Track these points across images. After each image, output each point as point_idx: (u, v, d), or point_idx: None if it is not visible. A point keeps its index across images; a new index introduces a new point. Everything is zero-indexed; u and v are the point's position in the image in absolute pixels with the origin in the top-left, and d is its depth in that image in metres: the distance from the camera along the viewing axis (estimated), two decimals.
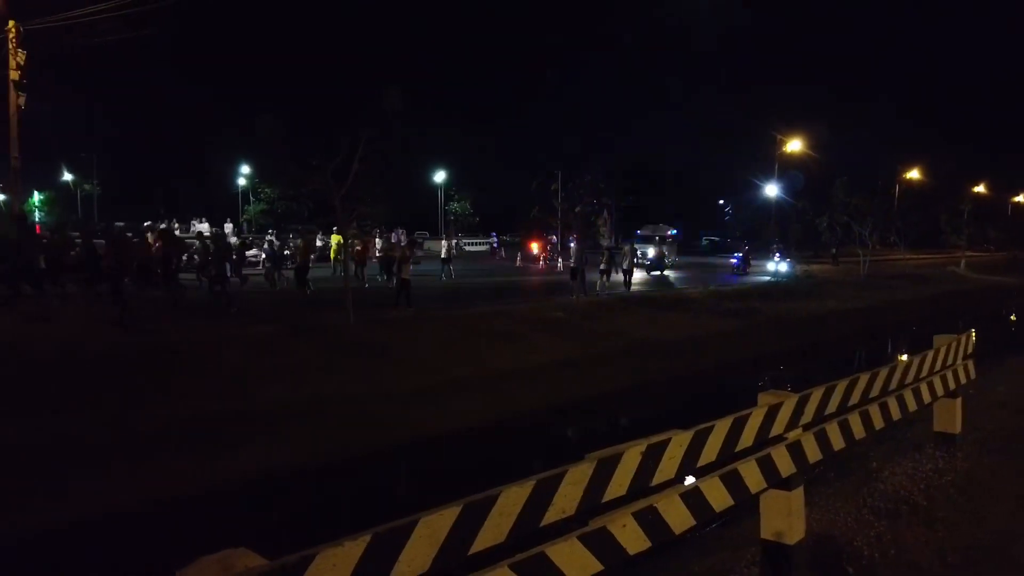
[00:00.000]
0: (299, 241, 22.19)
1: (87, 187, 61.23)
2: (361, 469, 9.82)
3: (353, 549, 2.37)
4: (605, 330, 17.23)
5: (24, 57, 19.30)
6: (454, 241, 49.20)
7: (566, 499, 3.14)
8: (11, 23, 19.17)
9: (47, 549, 7.10)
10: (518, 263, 38.79)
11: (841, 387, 5.22)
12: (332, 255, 26.90)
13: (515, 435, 11.62)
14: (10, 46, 19.08)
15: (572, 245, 38.29)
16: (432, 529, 2.62)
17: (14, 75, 19.35)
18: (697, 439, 3.86)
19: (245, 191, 65.08)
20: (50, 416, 9.23)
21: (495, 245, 51.95)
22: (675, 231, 42.99)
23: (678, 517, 3.72)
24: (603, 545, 3.30)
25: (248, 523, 7.99)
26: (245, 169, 63.92)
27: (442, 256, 27.84)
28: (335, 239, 25.53)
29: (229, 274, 17.94)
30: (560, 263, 36.10)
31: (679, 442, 3.75)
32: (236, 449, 9.46)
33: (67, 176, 59.98)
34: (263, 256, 25.56)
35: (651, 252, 33.58)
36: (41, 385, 10.06)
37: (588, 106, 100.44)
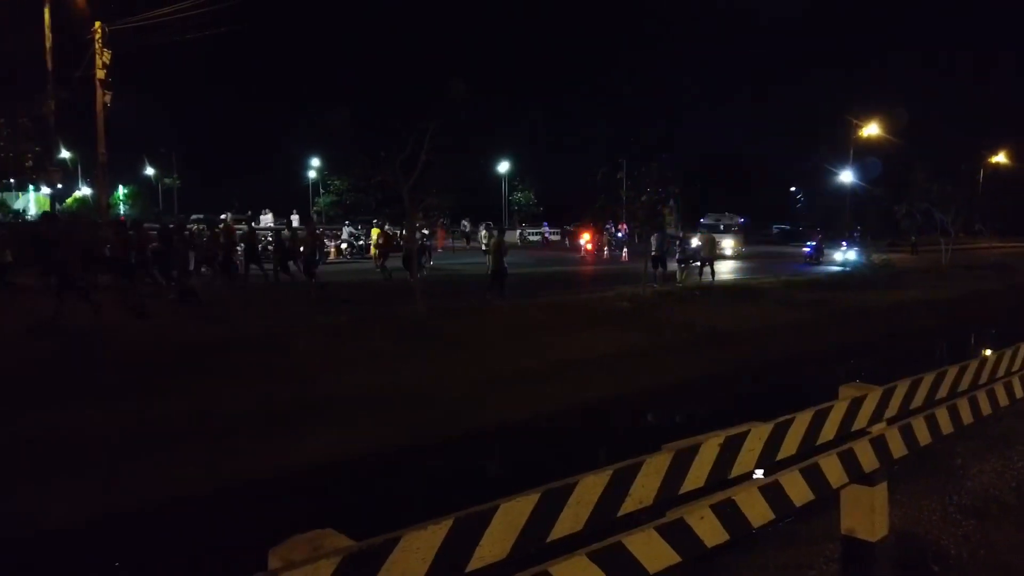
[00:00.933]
0: (302, 233, 20.01)
1: (167, 181, 63.85)
2: (436, 456, 9.98)
3: (436, 532, 2.41)
4: (673, 320, 16.99)
5: (109, 56, 20.19)
6: (517, 231, 49.33)
7: (644, 489, 3.12)
8: (97, 24, 20.07)
9: (137, 527, 7.48)
10: (581, 253, 38.56)
11: (928, 380, 5.02)
12: (373, 249, 26.88)
13: (584, 424, 11.61)
14: (96, 46, 19.99)
15: (620, 235, 37.88)
16: (511, 515, 2.65)
17: (100, 74, 20.28)
18: (777, 432, 3.78)
19: (315, 183, 66.70)
20: (132, 401, 9.68)
21: (547, 236, 49.94)
22: (742, 219, 41.80)
23: (757, 510, 3.65)
24: (680, 537, 3.27)
25: (327, 505, 8.22)
26: (315, 162, 65.54)
27: (484, 247, 27.78)
28: (375, 232, 25.73)
29: (192, 267, 17.68)
30: (624, 253, 35.72)
31: (758, 435, 3.67)
32: (311, 434, 9.72)
33: (149, 170, 62.64)
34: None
35: (694, 242, 32.40)
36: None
37: (655, 94, 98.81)
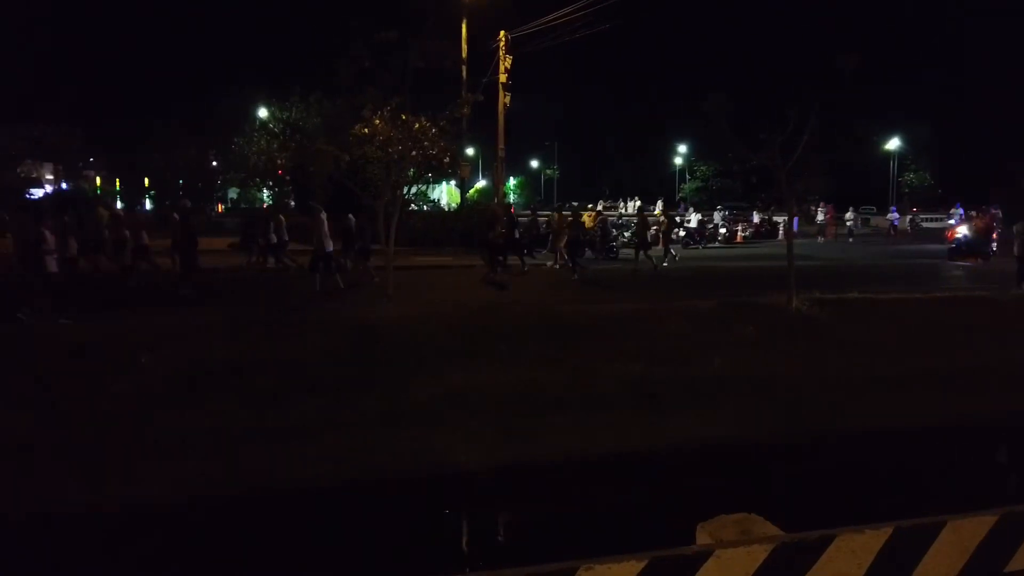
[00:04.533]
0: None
1: (548, 172, 70.05)
2: (802, 452, 9.41)
3: (874, 538, 2.24)
4: None
5: (510, 61, 22.70)
6: (908, 216, 43.33)
7: None
8: (502, 33, 22.68)
9: (536, 480, 8.37)
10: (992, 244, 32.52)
11: None
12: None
13: (986, 444, 9.90)
14: (500, 53, 22.63)
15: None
16: (960, 536, 2.34)
17: (502, 78, 22.92)
18: None
19: (681, 170, 67.25)
20: (523, 367, 10.79)
21: (895, 222, 38.25)
22: None
23: None
24: None
25: (692, 486, 8.27)
26: (682, 148, 66.04)
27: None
28: (587, 216, 25.01)
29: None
30: None
31: None
32: (670, 415, 9.85)
33: (534, 163, 69.40)
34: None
35: None
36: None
37: None
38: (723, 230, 32.37)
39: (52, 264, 12.09)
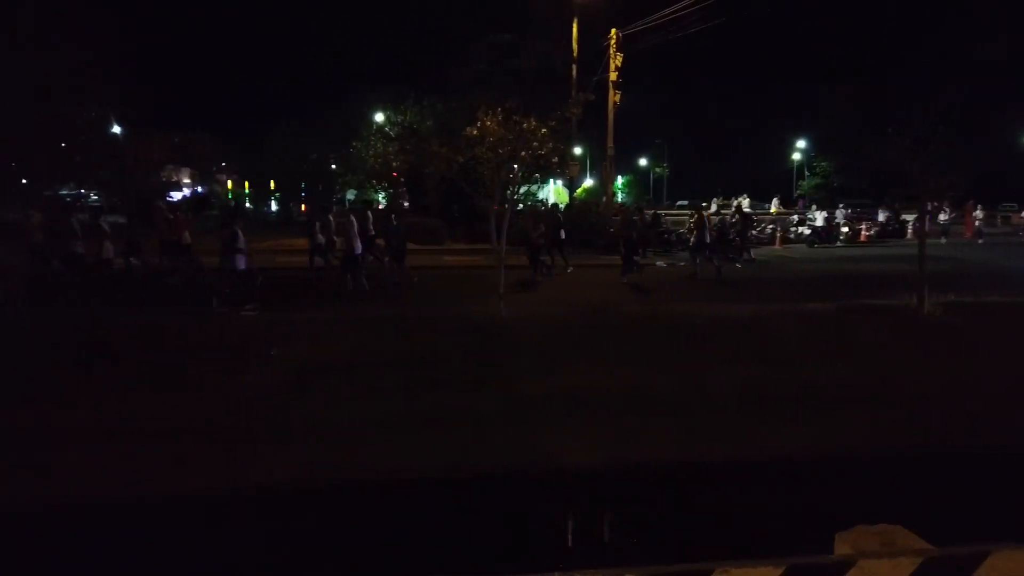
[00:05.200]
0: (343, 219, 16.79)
1: (658, 170, 68.92)
2: (934, 467, 8.84)
3: None
4: None
5: (621, 59, 22.49)
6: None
7: None
8: (612, 31, 22.51)
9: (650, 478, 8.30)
10: None
11: None
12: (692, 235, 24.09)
13: None
14: (611, 51, 22.46)
15: None
16: None
17: (612, 76, 22.75)
18: None
19: (799, 166, 64.47)
20: (633, 368, 10.69)
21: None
22: None
23: None
24: None
25: (815, 497, 7.96)
26: (800, 143, 63.31)
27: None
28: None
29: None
30: None
31: None
32: (787, 421, 9.50)
33: (642, 161, 68.43)
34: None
35: None
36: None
37: None
38: (845, 228, 30.80)
39: (241, 262, 13.20)
